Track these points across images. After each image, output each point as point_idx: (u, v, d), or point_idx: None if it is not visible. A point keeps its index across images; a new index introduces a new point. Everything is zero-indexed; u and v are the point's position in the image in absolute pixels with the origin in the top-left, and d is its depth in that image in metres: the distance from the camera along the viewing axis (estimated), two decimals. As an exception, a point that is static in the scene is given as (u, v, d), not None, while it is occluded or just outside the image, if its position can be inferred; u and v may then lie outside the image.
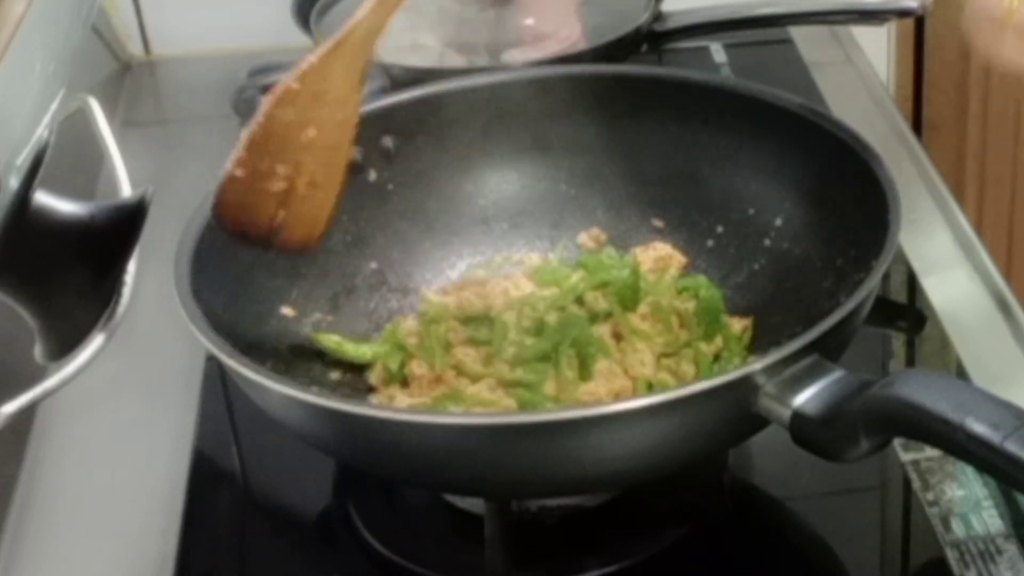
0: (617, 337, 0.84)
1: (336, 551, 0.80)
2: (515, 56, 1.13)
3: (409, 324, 0.85)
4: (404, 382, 0.82)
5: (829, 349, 0.69)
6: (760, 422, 0.69)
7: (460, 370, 0.81)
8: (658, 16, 1.15)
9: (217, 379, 0.90)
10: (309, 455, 0.76)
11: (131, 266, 0.65)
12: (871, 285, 0.72)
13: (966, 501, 0.79)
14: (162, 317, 0.76)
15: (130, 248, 0.64)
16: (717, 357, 0.82)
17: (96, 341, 0.64)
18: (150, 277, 0.69)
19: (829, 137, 0.83)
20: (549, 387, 0.80)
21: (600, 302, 0.86)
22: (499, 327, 0.83)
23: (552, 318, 0.84)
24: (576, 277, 0.88)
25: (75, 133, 0.70)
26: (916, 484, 0.80)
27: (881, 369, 0.92)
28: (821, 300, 0.80)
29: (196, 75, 1.32)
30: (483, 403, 0.78)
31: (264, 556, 0.81)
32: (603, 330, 0.84)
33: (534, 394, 0.79)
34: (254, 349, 0.78)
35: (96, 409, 0.91)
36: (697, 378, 0.80)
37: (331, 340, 0.83)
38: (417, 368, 0.81)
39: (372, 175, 0.90)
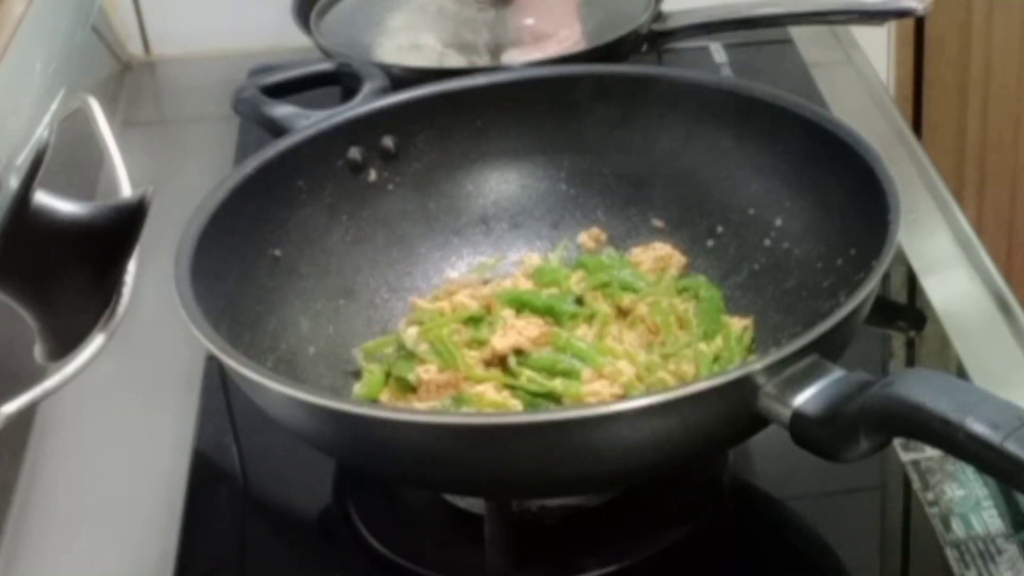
0: (617, 337, 0.84)
1: (336, 551, 0.80)
2: (515, 56, 1.13)
3: (411, 332, 0.85)
4: (410, 389, 0.82)
5: (829, 349, 0.69)
6: (760, 422, 0.69)
7: (466, 372, 0.81)
8: (658, 16, 1.15)
9: (217, 379, 0.90)
10: (309, 455, 0.76)
11: (131, 266, 0.65)
12: (871, 285, 0.72)
13: (966, 501, 0.79)
14: (162, 317, 0.76)
15: (130, 248, 0.64)
16: (717, 357, 0.82)
17: (96, 341, 0.64)
18: (150, 277, 0.69)
19: (829, 137, 0.83)
20: (551, 386, 0.80)
21: (599, 302, 0.86)
22: (499, 325, 0.83)
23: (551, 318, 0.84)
24: (576, 277, 0.88)
25: (75, 133, 0.70)
26: (916, 484, 0.80)
27: (881, 369, 0.91)
28: (821, 300, 0.81)
29: (196, 75, 1.32)
30: (491, 404, 0.78)
31: (264, 556, 0.81)
32: (602, 330, 0.84)
33: (536, 395, 0.79)
34: (254, 349, 0.78)
35: (96, 409, 0.91)
36: (697, 378, 0.80)
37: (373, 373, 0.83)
38: (425, 373, 0.81)
39: (372, 175, 0.90)
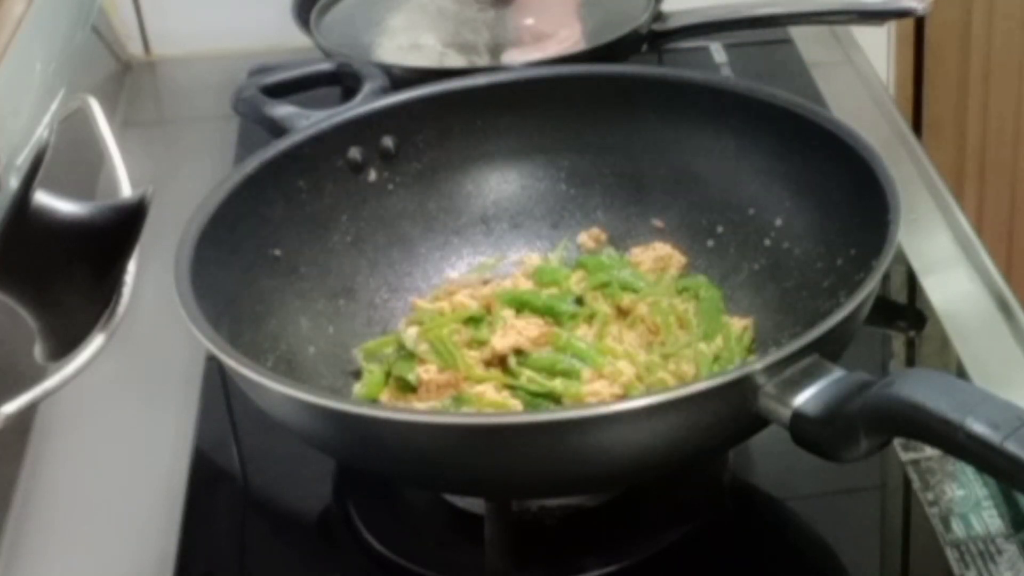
0: (617, 337, 0.84)
1: (336, 551, 0.80)
2: (515, 56, 1.13)
3: (411, 332, 0.85)
4: (410, 389, 0.82)
5: (829, 349, 0.69)
6: (760, 422, 0.69)
7: (466, 373, 0.81)
8: (658, 16, 1.15)
9: (217, 379, 0.90)
10: (309, 455, 0.76)
11: (131, 266, 0.65)
12: (871, 285, 0.72)
13: (966, 501, 0.79)
14: (162, 317, 0.76)
15: (130, 248, 0.64)
16: (717, 357, 0.82)
17: (96, 341, 0.64)
18: (150, 277, 0.69)
19: (829, 137, 0.83)
20: (551, 386, 0.80)
21: (599, 302, 0.86)
22: (499, 325, 0.83)
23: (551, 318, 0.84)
24: (576, 277, 0.88)
25: (75, 133, 0.70)
26: (916, 484, 0.80)
27: (881, 369, 0.91)
28: (821, 300, 0.81)
29: (196, 75, 1.32)
30: (491, 404, 0.78)
31: (264, 556, 0.81)
32: (602, 330, 0.84)
33: (536, 395, 0.79)
34: (254, 349, 0.78)
35: (96, 409, 0.91)
36: (697, 378, 0.80)
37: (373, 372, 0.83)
38: (424, 373, 0.81)
39: (372, 175, 0.90)
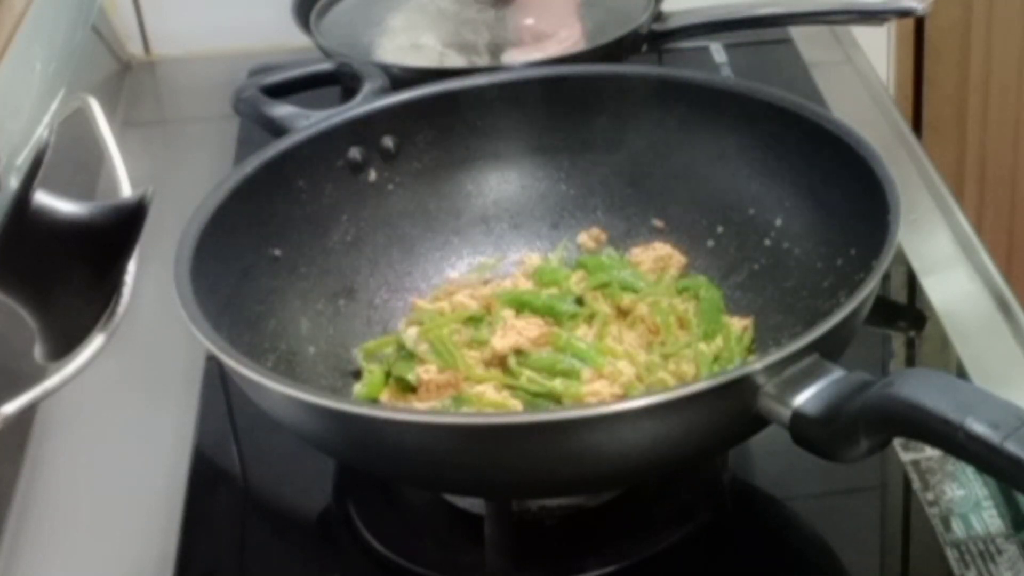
0: (617, 337, 0.84)
1: (336, 551, 0.80)
2: (515, 56, 1.13)
3: (411, 332, 0.85)
4: (410, 389, 0.82)
5: (829, 349, 0.69)
6: (760, 422, 0.69)
7: (466, 373, 0.81)
8: (658, 16, 1.15)
9: (217, 379, 0.90)
10: (309, 455, 0.76)
11: (131, 266, 0.65)
12: (871, 285, 0.72)
13: (966, 501, 0.79)
14: (162, 317, 0.76)
15: (130, 248, 0.64)
16: (717, 357, 0.82)
17: (96, 341, 0.64)
18: (150, 277, 0.69)
19: (829, 137, 0.83)
20: (551, 386, 0.80)
21: (599, 302, 0.86)
22: (499, 325, 0.83)
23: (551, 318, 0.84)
24: (576, 277, 0.88)
25: (75, 133, 0.70)
26: (916, 484, 0.80)
27: (881, 369, 0.91)
28: (821, 300, 0.81)
29: (196, 75, 1.32)
30: (491, 404, 0.78)
31: (264, 556, 0.81)
32: (602, 330, 0.84)
33: (536, 395, 0.79)
34: (254, 349, 0.78)
35: (96, 409, 0.91)
36: (697, 378, 0.80)
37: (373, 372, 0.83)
38: (424, 373, 0.81)
39: (372, 175, 0.90)
